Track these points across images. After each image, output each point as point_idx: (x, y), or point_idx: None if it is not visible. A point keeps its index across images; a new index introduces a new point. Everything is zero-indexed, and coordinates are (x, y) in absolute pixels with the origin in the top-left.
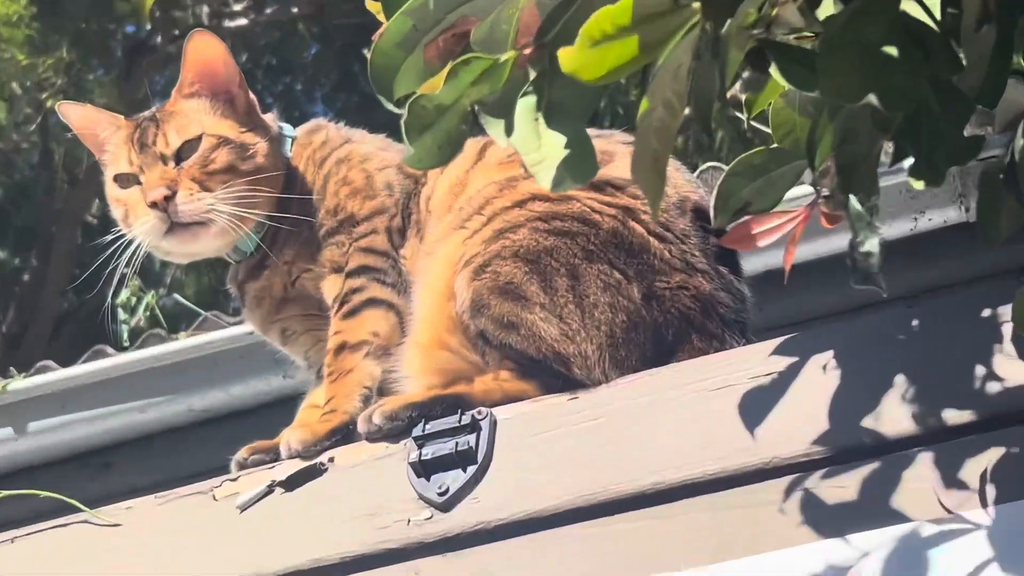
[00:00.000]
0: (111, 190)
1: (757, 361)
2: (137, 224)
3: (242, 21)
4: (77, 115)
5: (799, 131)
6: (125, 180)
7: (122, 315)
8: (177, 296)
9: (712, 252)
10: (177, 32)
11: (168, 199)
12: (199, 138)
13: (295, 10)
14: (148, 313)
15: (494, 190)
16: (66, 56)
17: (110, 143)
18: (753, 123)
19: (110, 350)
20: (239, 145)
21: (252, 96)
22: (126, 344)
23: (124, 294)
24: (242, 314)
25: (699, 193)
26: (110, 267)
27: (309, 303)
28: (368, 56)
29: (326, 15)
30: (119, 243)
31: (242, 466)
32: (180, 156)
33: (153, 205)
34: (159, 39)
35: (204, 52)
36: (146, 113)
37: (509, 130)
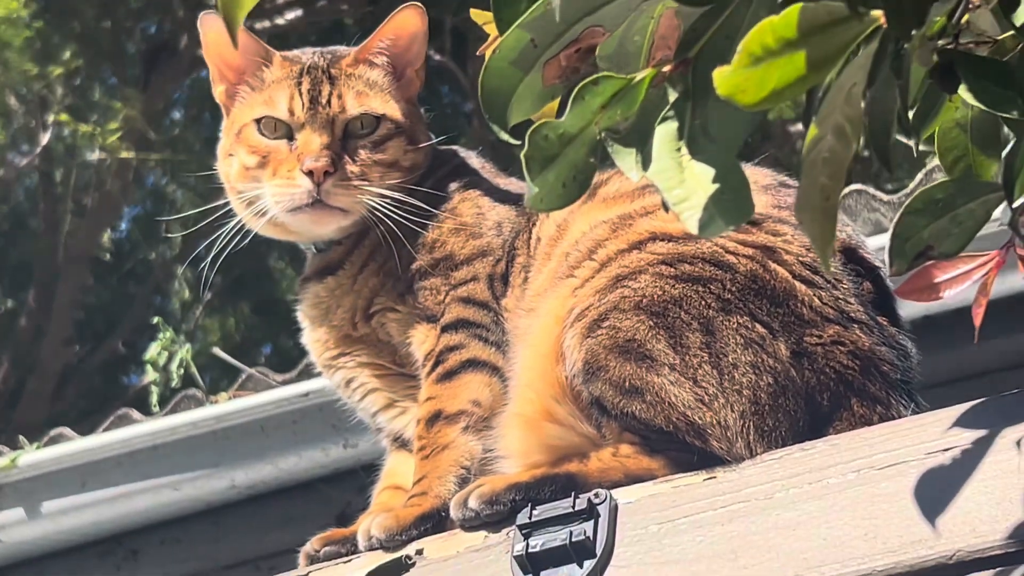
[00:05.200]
0: (249, 134)
1: (934, 433)
2: (273, 183)
3: (291, 16)
4: (220, 31)
5: (972, 157)
6: (275, 128)
7: (151, 373)
8: (217, 350)
9: (867, 300)
10: None
11: (328, 175)
12: (379, 119)
13: (345, 6)
14: (182, 370)
15: (606, 231)
16: (72, 62)
17: (257, 77)
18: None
19: (137, 415)
20: (408, 136)
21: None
22: (155, 408)
23: (154, 348)
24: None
25: (846, 230)
26: (211, 239)
27: (382, 350)
28: (481, 78)
29: (380, 6)
30: (226, 209)
31: (313, 560)
32: (349, 128)
33: (309, 174)
34: (184, 41)
35: (407, 24)
36: (312, 58)
37: (646, 162)
